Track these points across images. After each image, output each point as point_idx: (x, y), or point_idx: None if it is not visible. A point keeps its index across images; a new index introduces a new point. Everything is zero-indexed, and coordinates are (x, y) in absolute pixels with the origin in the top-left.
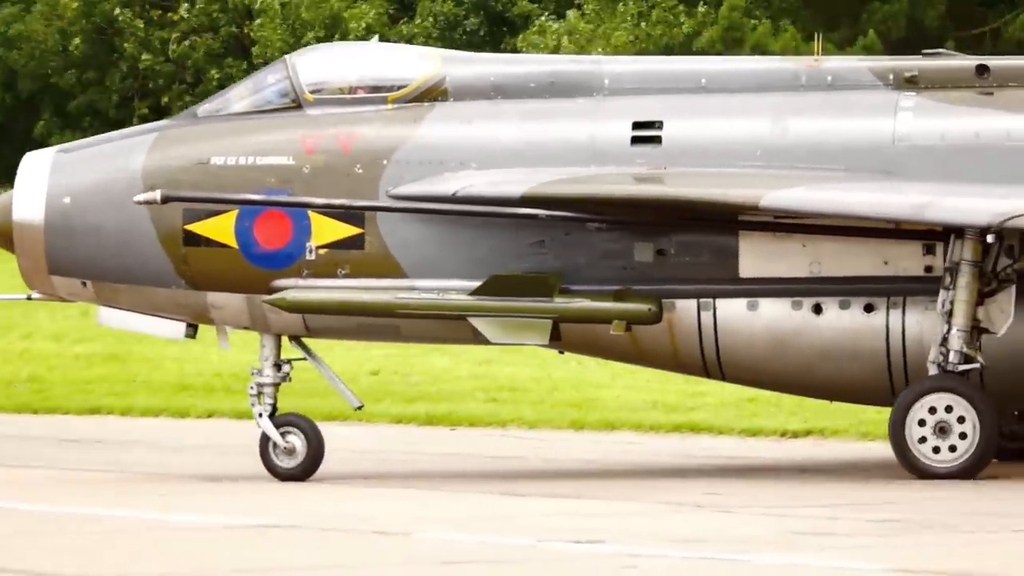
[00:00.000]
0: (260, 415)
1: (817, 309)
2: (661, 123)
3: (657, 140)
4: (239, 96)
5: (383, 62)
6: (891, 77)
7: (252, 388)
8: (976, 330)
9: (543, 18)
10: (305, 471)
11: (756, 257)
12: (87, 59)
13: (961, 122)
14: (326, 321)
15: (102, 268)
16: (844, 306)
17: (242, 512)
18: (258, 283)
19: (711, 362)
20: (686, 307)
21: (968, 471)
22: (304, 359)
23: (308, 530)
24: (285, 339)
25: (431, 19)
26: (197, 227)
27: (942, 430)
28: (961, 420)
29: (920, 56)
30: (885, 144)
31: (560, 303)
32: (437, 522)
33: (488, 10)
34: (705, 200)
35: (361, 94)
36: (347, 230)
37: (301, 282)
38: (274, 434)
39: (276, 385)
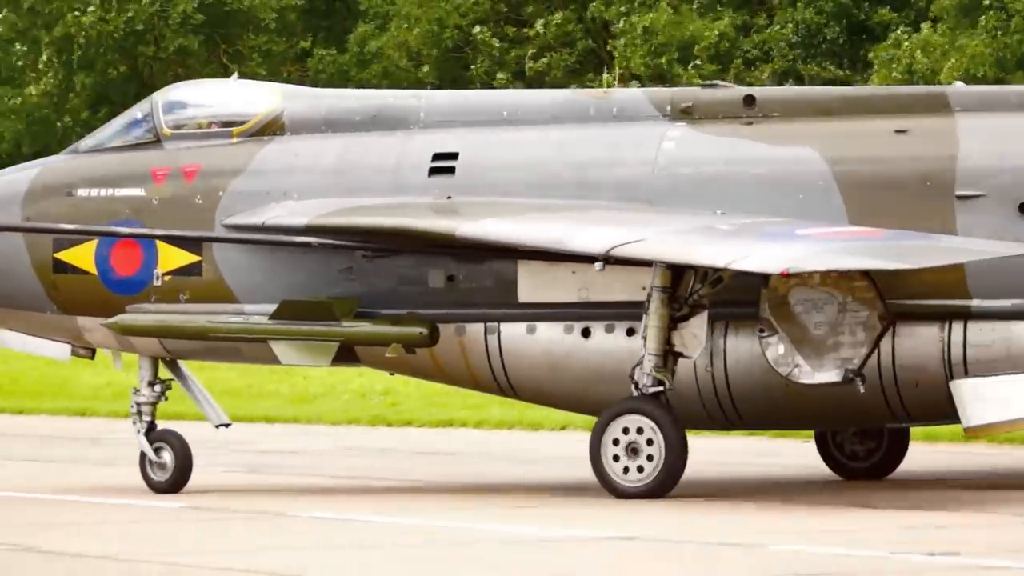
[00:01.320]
0: (138, 432)
1: (586, 333)
2: (457, 154)
3: (451, 171)
4: (112, 132)
5: (232, 99)
6: (668, 108)
7: (133, 407)
8: (670, 354)
9: (899, 31)
10: (174, 484)
11: (532, 284)
12: (440, 78)
13: (719, 152)
14: (179, 344)
15: None
16: (609, 330)
17: (595, 525)
18: (117, 308)
19: (502, 381)
20: (475, 330)
21: (655, 491)
22: (172, 379)
23: (664, 543)
24: None
25: (791, 26)
26: (64, 255)
27: (633, 450)
28: (649, 442)
29: (697, 87)
30: (647, 174)
31: (344, 327)
32: (789, 535)
33: (850, 18)
34: (412, 229)
35: (212, 129)
36: (187, 258)
37: (148, 307)
38: (148, 450)
39: (152, 403)
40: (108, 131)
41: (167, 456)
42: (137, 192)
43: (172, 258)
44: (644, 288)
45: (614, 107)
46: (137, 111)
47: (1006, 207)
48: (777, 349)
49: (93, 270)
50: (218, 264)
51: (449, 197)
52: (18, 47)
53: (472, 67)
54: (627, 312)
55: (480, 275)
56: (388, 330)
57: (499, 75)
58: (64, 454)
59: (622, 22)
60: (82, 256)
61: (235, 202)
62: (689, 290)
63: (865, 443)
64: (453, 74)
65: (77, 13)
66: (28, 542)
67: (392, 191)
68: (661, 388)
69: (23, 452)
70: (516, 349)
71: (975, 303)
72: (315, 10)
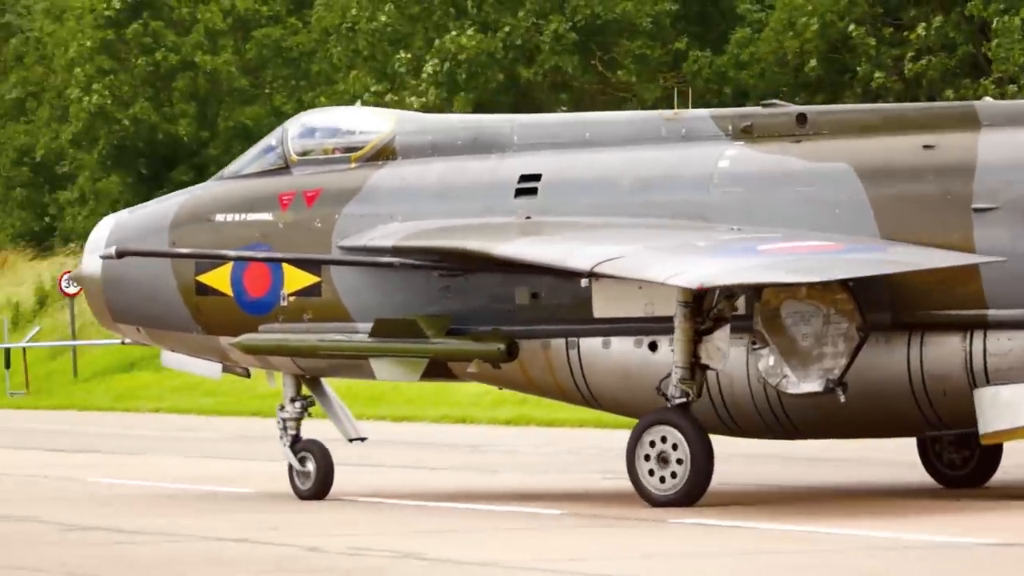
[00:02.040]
0: (284, 445)
1: (652, 346)
2: (540, 176)
3: (534, 192)
4: (249, 159)
5: (352, 125)
6: (730, 128)
7: (279, 422)
8: (697, 366)
9: None
10: (317, 492)
11: (605, 300)
12: (821, 78)
13: (768, 170)
14: (308, 362)
15: (147, 316)
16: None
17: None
18: (252, 327)
19: (584, 392)
20: (558, 344)
21: (684, 499)
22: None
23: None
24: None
25: None
26: (204, 278)
27: (663, 459)
28: (675, 449)
29: (758, 106)
30: (703, 193)
31: (430, 343)
32: None
33: None
34: (462, 249)
35: (335, 155)
36: (309, 279)
37: (276, 327)
38: (293, 460)
39: (296, 419)
40: (247, 158)
41: (311, 465)
42: (266, 217)
43: (296, 279)
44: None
45: (683, 128)
46: (272, 138)
47: (1020, 220)
48: (768, 361)
49: (229, 292)
50: (335, 284)
51: (528, 217)
52: (401, 54)
53: (857, 69)
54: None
55: (560, 293)
56: (470, 346)
57: (876, 75)
58: (446, 461)
59: (996, 22)
60: (220, 278)
61: (349, 225)
62: (712, 304)
63: (961, 452)
64: (831, 76)
65: (455, 33)
66: (412, 548)
67: (483, 212)
68: (687, 399)
69: (407, 459)
70: (594, 362)
71: (991, 312)
72: (689, 16)
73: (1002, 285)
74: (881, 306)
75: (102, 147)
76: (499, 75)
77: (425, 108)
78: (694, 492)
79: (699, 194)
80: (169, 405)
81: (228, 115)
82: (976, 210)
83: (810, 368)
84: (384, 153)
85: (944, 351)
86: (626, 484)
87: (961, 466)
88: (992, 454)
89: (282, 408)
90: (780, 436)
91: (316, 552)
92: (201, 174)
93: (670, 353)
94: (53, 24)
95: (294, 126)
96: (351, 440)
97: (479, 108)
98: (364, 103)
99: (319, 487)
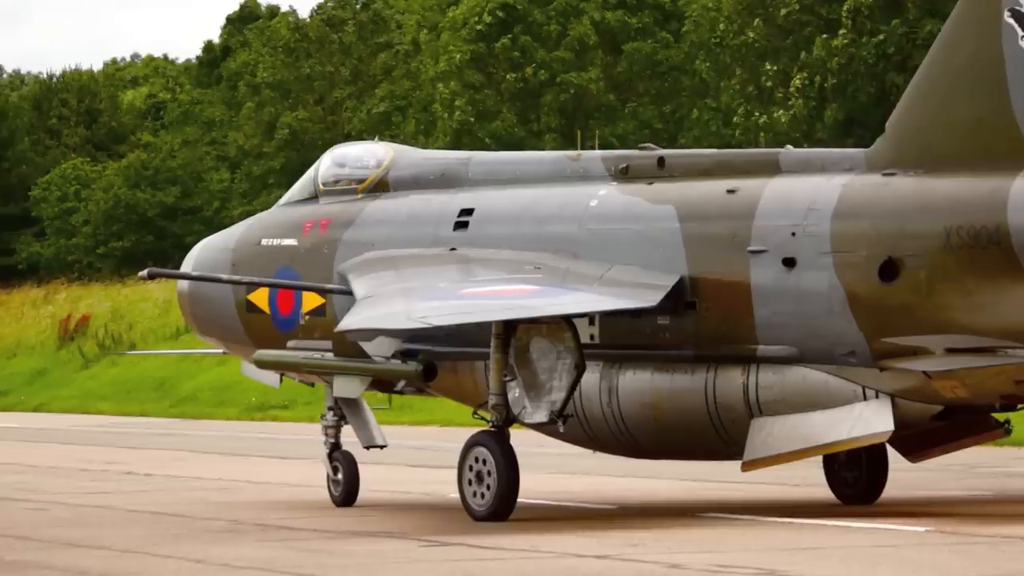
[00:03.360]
0: (325, 453)
1: None
2: (473, 210)
3: (466, 225)
4: (296, 188)
5: (363, 158)
6: (612, 169)
7: (322, 429)
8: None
9: None
10: (344, 499)
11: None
12: None
13: (622, 210)
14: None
15: (219, 329)
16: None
17: None
18: (281, 343)
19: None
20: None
21: (494, 514)
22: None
23: None
24: None
25: None
26: (252, 296)
27: (479, 478)
28: (488, 471)
29: (636, 150)
30: (574, 229)
31: (368, 364)
32: None
33: None
34: (326, 288)
35: (349, 186)
36: (319, 300)
37: (293, 343)
38: (328, 468)
39: (334, 426)
40: (295, 187)
41: (340, 474)
42: (292, 242)
43: (311, 301)
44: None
45: (582, 167)
46: (312, 169)
47: (778, 262)
48: (515, 392)
49: (267, 310)
50: (334, 306)
51: (453, 248)
52: (767, 66)
53: None
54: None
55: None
56: (396, 368)
57: None
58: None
59: None
60: (261, 298)
61: (346, 251)
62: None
63: (852, 471)
64: None
65: (826, 36)
66: (775, 566)
67: (431, 243)
68: (499, 424)
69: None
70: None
71: (760, 348)
72: None
73: (769, 324)
74: (687, 340)
75: None
76: (869, 86)
77: (791, 121)
78: (503, 508)
79: (573, 230)
80: None
81: (594, 131)
82: (751, 252)
83: (541, 400)
84: (381, 185)
85: (729, 383)
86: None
87: (853, 484)
88: (878, 474)
89: (324, 416)
90: (631, 454)
91: (677, 569)
92: None
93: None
94: (426, 36)
95: (326, 158)
96: (367, 447)
97: (847, 123)
98: (735, 121)
99: (346, 495)
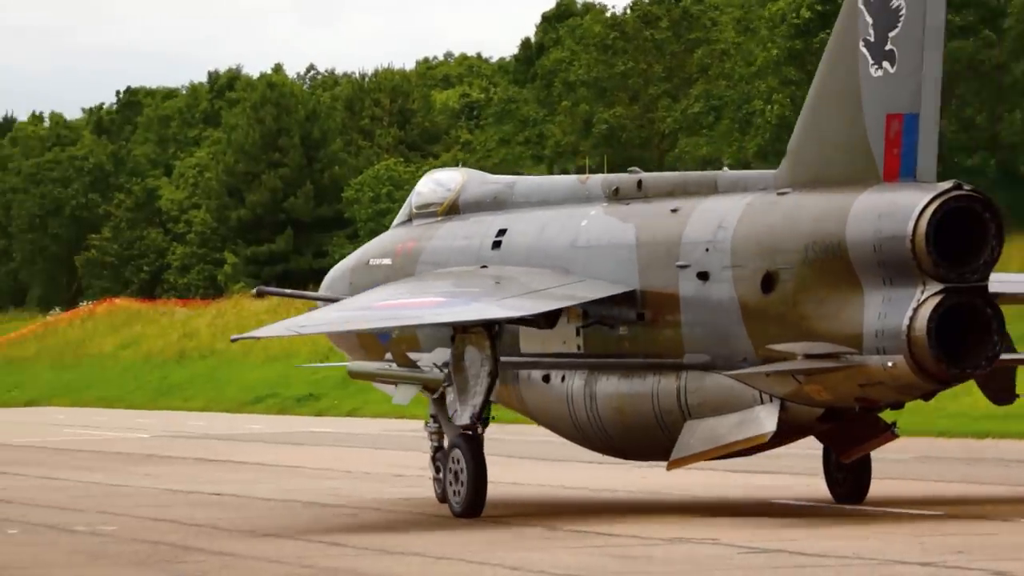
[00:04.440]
0: (430, 456)
1: (546, 379)
2: (506, 231)
3: (499, 245)
4: (401, 212)
5: (445, 184)
6: (607, 191)
7: (427, 435)
8: (486, 401)
9: None
10: (443, 498)
11: (527, 337)
12: None
13: (602, 228)
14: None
15: (346, 341)
16: (550, 378)
17: None
18: (383, 355)
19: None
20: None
21: (468, 511)
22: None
23: None
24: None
25: None
26: None
27: (456, 477)
28: (462, 470)
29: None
30: (568, 247)
31: (416, 373)
32: None
33: None
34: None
35: (431, 209)
36: None
37: (388, 356)
38: (431, 470)
39: (435, 433)
40: (400, 212)
41: (443, 474)
42: (388, 261)
43: None
44: (564, 342)
45: (587, 191)
46: (411, 194)
47: (696, 276)
48: (450, 396)
49: None
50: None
51: (484, 266)
52: None
53: None
54: (560, 362)
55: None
56: (433, 377)
57: None
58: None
59: None
60: None
61: (421, 269)
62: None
63: (840, 471)
64: None
65: None
66: None
67: (475, 260)
68: (473, 428)
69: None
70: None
71: (687, 357)
72: None
73: (692, 334)
74: (640, 349)
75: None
76: None
77: None
78: (475, 505)
79: (567, 248)
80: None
81: None
82: (678, 266)
83: (467, 404)
84: (453, 208)
85: (668, 389)
86: None
87: (842, 483)
88: (863, 475)
89: (426, 424)
90: (615, 455)
91: None
92: None
93: (558, 384)
94: (741, 36)
95: (418, 184)
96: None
97: None
98: None
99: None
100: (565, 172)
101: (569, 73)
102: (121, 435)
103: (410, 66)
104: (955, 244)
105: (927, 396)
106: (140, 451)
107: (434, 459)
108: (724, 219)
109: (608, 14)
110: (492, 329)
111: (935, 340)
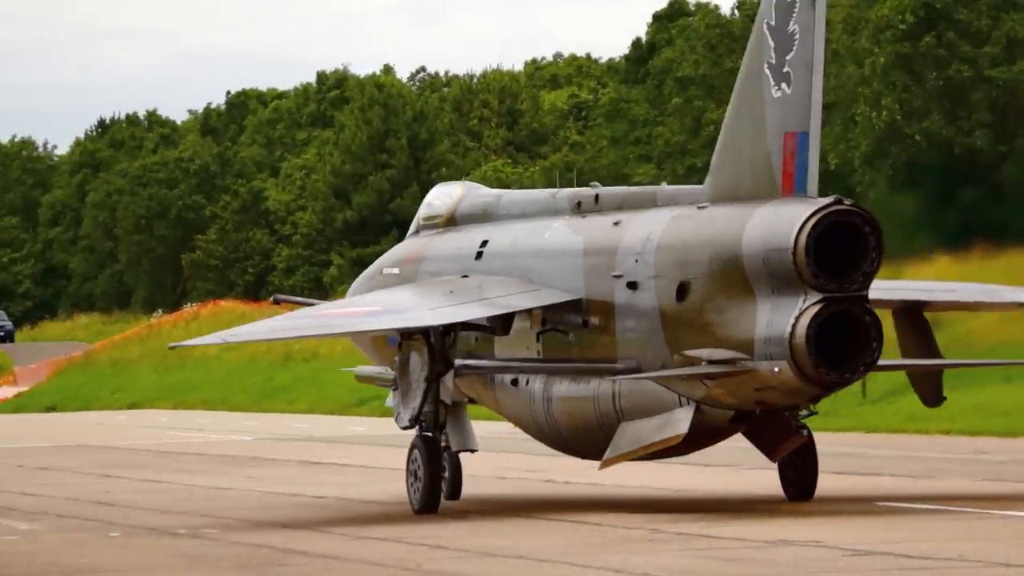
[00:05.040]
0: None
1: (514, 382)
2: (488, 242)
3: (481, 255)
4: (413, 223)
5: (446, 197)
6: (571, 205)
7: None
8: (438, 402)
9: None
10: (450, 495)
11: (500, 344)
12: None
13: (559, 239)
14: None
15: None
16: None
17: None
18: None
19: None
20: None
21: (426, 507)
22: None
23: None
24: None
25: None
26: None
27: (415, 475)
28: (419, 470)
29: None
30: (535, 257)
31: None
32: None
33: None
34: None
35: (435, 222)
36: None
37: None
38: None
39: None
40: (413, 223)
41: (447, 473)
42: (396, 271)
43: None
44: (527, 348)
45: (556, 204)
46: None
47: (626, 285)
48: (394, 400)
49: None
50: None
51: (465, 276)
52: None
53: None
54: (525, 366)
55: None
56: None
57: None
58: None
59: None
60: None
61: (421, 278)
62: (441, 350)
63: (792, 470)
64: None
65: None
66: None
67: (462, 270)
68: (429, 428)
69: None
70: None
71: (619, 362)
72: None
73: (624, 340)
74: (584, 354)
75: (892, 163)
76: None
77: None
78: (431, 502)
79: (533, 257)
80: (961, 426)
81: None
82: (614, 276)
83: (408, 407)
84: (452, 221)
85: (605, 392)
86: None
87: (793, 481)
88: (810, 473)
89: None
90: (574, 454)
91: None
92: (997, 190)
93: (524, 388)
94: (849, 38)
95: (427, 196)
96: (458, 451)
97: None
98: None
99: (452, 491)
100: (675, 172)
101: (679, 71)
102: (224, 437)
103: (519, 67)
104: (837, 256)
105: (814, 400)
106: (243, 453)
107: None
108: (652, 232)
109: (719, 11)
110: (430, 337)
111: (814, 347)
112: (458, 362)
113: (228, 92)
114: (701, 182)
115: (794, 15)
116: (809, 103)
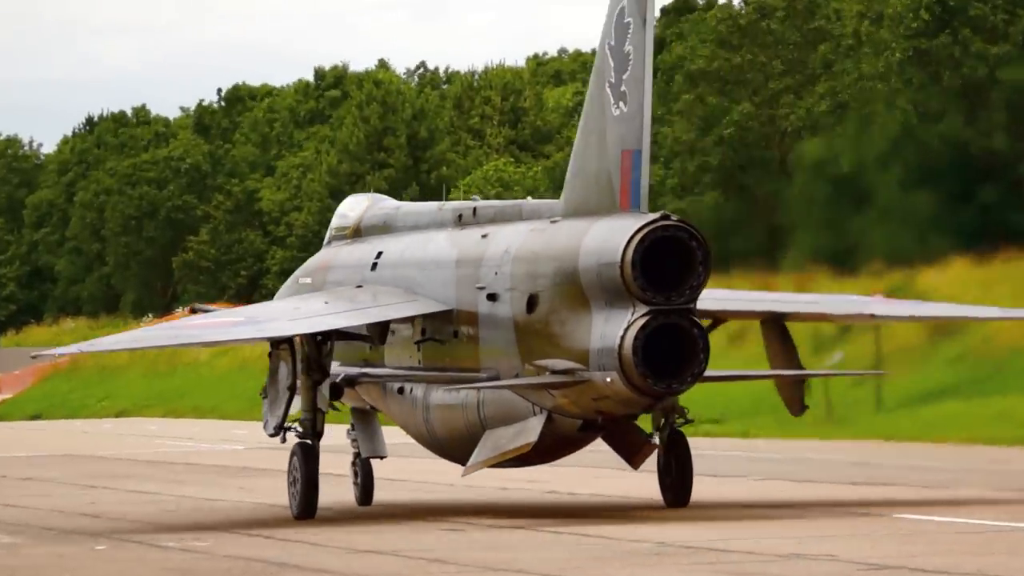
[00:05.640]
0: (351, 460)
1: (400, 390)
2: (382, 253)
3: (375, 267)
4: (327, 234)
5: (355, 209)
6: (454, 217)
7: (350, 442)
8: (315, 410)
9: None
10: (362, 501)
11: (389, 352)
12: None
13: (440, 249)
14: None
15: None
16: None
17: None
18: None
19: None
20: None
21: (303, 513)
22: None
23: None
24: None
25: None
26: None
27: (294, 482)
28: (298, 476)
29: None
30: (420, 268)
31: None
32: None
33: None
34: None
35: (344, 232)
36: None
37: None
38: (351, 475)
39: (356, 439)
40: (327, 233)
41: (360, 479)
42: (308, 280)
43: None
44: (410, 357)
45: (443, 216)
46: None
47: (486, 297)
48: (265, 408)
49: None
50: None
51: (359, 286)
52: None
53: None
54: (410, 375)
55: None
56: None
57: None
58: None
59: None
60: None
61: (328, 288)
62: (318, 360)
63: (669, 476)
64: None
65: None
66: None
67: (359, 281)
68: (307, 436)
69: None
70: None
71: (482, 371)
72: None
73: (486, 349)
74: (454, 364)
75: (908, 164)
76: None
77: None
78: (308, 509)
79: (417, 268)
80: (982, 435)
81: None
82: (478, 288)
83: (273, 415)
84: (357, 232)
85: (470, 401)
86: None
87: (670, 487)
88: (686, 481)
89: (348, 431)
90: (454, 461)
91: None
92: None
93: (408, 395)
94: (870, 27)
95: (339, 207)
96: (367, 458)
97: None
98: None
99: (363, 496)
100: (685, 171)
101: (689, 66)
102: (215, 446)
103: (521, 62)
104: (665, 270)
105: (646, 410)
106: (234, 463)
107: (352, 464)
108: (510, 245)
109: (725, 2)
110: (304, 346)
111: (640, 358)
112: (355, 371)
113: (219, 90)
114: (711, 183)
115: (629, 36)
116: (642, 121)
